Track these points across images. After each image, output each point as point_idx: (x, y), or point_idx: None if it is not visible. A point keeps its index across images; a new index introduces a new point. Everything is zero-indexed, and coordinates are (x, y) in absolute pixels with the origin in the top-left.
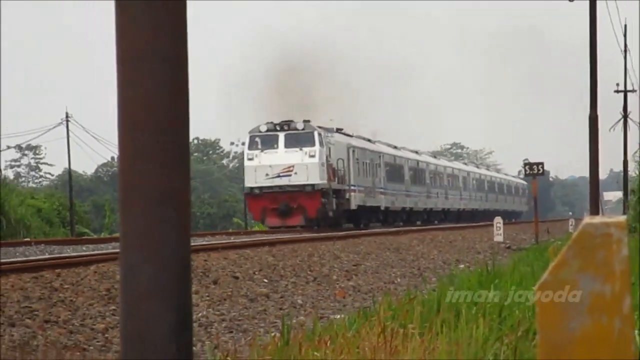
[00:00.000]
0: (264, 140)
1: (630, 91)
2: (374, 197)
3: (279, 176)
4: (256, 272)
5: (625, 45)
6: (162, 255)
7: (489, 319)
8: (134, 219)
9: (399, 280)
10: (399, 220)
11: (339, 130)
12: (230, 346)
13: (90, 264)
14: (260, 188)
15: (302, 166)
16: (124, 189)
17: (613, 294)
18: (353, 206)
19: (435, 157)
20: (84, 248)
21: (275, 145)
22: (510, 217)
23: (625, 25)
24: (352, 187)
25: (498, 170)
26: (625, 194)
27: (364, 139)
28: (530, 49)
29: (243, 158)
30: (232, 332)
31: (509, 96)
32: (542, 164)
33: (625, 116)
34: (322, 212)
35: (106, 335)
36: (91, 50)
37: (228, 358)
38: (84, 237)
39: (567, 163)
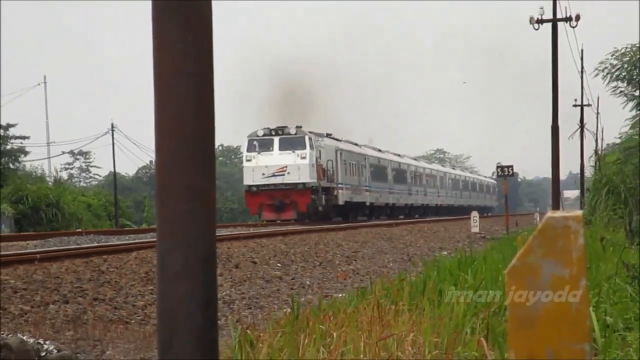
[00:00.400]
0: (261, 143)
1: (586, 105)
2: (359, 194)
3: (274, 175)
4: (271, 258)
5: (582, 67)
6: (191, 243)
7: (467, 297)
8: (169, 213)
9: (391, 264)
10: (384, 214)
11: (328, 135)
12: (249, 320)
13: (131, 251)
14: (257, 186)
15: (295, 167)
16: (160, 188)
17: (571, 277)
18: (340, 202)
19: (415, 159)
20: (127, 237)
21: (271, 148)
22: (482, 211)
23: (582, 50)
24: (340, 185)
25: (473, 172)
26: (582, 193)
27: (351, 142)
28: (503, 67)
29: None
30: (250, 308)
31: (484, 108)
32: (511, 166)
33: (581, 127)
34: (312, 207)
35: (145, 310)
36: (128, 66)
37: (247, 330)
38: (126, 228)
39: (533, 166)
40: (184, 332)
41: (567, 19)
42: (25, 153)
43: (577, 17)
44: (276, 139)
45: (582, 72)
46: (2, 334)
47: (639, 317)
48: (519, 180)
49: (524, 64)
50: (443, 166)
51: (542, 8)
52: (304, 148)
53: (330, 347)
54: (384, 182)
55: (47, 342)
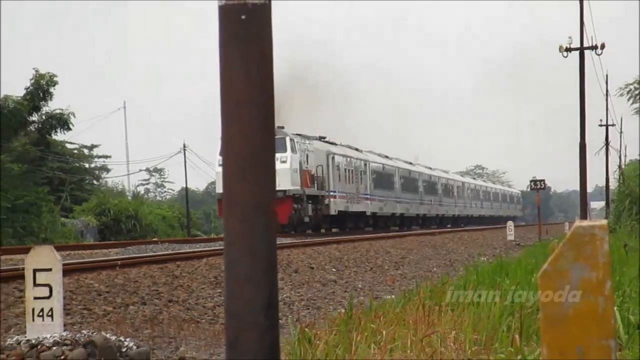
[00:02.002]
0: None
1: (610, 125)
2: (358, 203)
3: None
4: (327, 264)
5: (607, 91)
6: (255, 251)
7: (503, 299)
8: (235, 224)
9: (435, 269)
10: (391, 224)
11: (321, 139)
12: (307, 319)
13: (202, 258)
14: None
15: None
16: (227, 201)
17: (597, 279)
18: (333, 212)
19: (430, 168)
20: (197, 246)
21: None
22: (505, 221)
23: (607, 75)
24: (332, 193)
25: (497, 182)
26: (607, 204)
27: (351, 147)
28: (534, 87)
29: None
30: (309, 309)
31: (520, 127)
32: (543, 180)
33: (607, 144)
34: (294, 218)
35: (214, 311)
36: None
37: (306, 329)
38: (197, 237)
39: (563, 179)
40: (248, 330)
41: (593, 47)
42: (107, 170)
43: (602, 46)
44: None
45: (606, 95)
46: (88, 332)
47: None
48: (551, 193)
49: (554, 83)
50: (462, 176)
51: (570, 37)
52: (285, 151)
53: (380, 344)
54: (390, 190)
55: (127, 339)
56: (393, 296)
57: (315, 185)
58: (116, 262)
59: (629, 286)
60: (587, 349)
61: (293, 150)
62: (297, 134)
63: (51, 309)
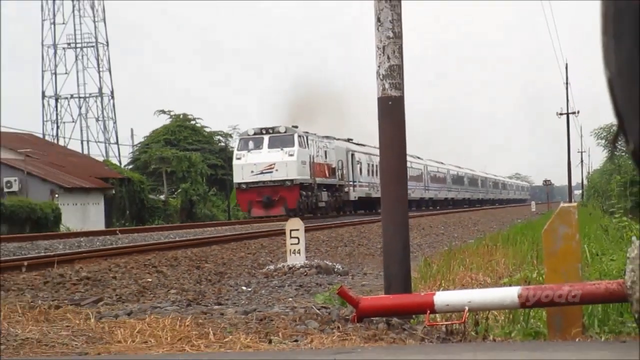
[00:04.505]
0: (251, 142)
1: (584, 152)
2: (378, 190)
3: (262, 173)
4: (439, 224)
5: (581, 134)
6: (396, 220)
7: (529, 241)
8: (388, 206)
9: (494, 226)
10: (424, 206)
11: (349, 140)
12: (428, 253)
13: (374, 223)
14: (247, 183)
15: (282, 164)
16: (383, 196)
17: (571, 233)
18: (352, 197)
19: (459, 167)
20: (373, 217)
21: (260, 146)
22: (518, 202)
23: (581, 127)
24: (352, 183)
25: (512, 177)
26: (583, 193)
27: (376, 147)
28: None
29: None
30: (429, 248)
31: (535, 148)
32: (550, 180)
33: (582, 161)
34: (304, 204)
35: (380, 248)
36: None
37: (427, 258)
38: (372, 212)
39: (561, 178)
40: (394, 261)
41: (574, 113)
42: None
43: (578, 112)
44: (266, 137)
45: (581, 137)
46: (318, 260)
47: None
48: (555, 186)
49: (555, 123)
50: (486, 173)
51: (561, 107)
52: (292, 146)
53: (465, 266)
54: (418, 181)
55: (337, 264)
56: (472, 240)
57: (337, 176)
58: (331, 225)
59: (593, 234)
60: (567, 269)
61: (301, 145)
62: (312, 133)
63: (299, 250)
